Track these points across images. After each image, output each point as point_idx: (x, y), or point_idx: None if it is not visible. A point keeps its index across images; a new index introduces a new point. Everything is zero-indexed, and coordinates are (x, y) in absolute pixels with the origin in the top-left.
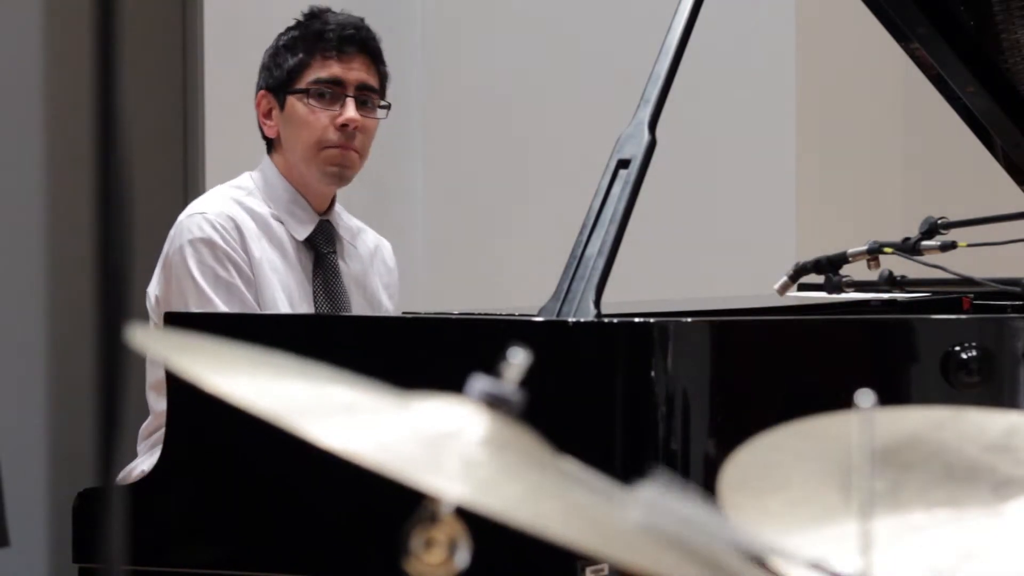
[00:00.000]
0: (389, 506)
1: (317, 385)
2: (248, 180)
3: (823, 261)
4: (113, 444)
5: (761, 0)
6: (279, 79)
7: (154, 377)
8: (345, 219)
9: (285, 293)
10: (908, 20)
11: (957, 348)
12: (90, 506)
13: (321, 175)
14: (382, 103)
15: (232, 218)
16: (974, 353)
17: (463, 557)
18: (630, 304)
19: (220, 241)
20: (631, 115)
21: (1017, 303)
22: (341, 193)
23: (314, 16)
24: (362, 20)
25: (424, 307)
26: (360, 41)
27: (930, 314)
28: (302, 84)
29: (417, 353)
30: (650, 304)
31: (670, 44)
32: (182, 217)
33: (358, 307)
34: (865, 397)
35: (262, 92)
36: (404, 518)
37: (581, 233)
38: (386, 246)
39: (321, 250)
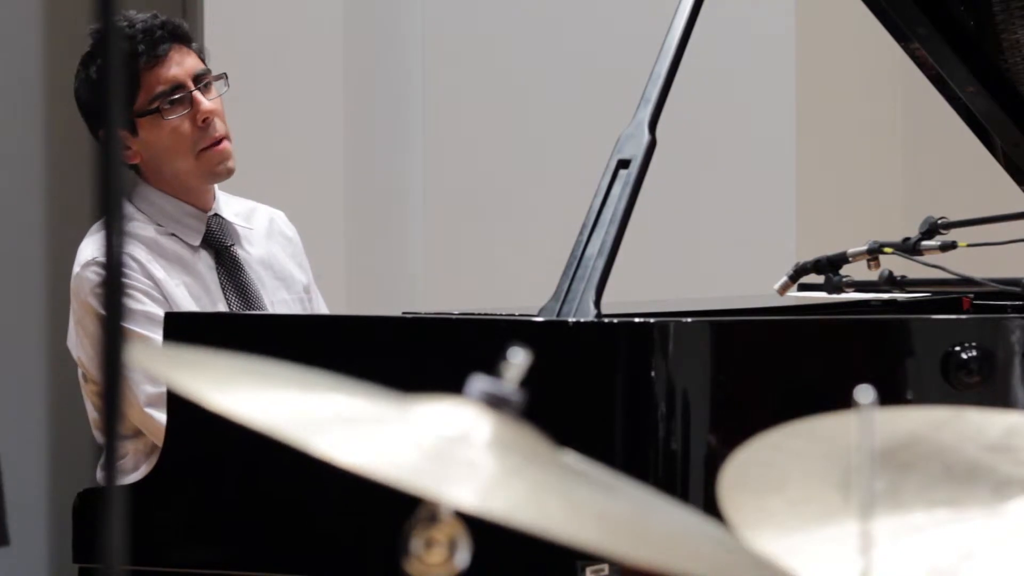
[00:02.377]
0: (389, 506)
1: (317, 394)
2: (128, 208)
3: (823, 261)
4: (113, 444)
5: (761, 0)
6: None
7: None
8: (233, 205)
9: (198, 304)
10: (908, 20)
11: (957, 348)
12: (90, 506)
13: (210, 176)
14: (215, 76)
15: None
16: (974, 353)
17: (463, 557)
18: (630, 304)
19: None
20: (631, 115)
21: (1017, 303)
22: (336, 190)
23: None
24: (155, 13)
25: (424, 307)
26: (169, 34)
27: (930, 314)
28: (147, 105)
29: (417, 353)
30: (650, 304)
31: (670, 44)
32: (77, 270)
33: (271, 288)
34: (864, 392)
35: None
36: (404, 519)
37: (581, 233)
38: (280, 216)
39: (219, 246)
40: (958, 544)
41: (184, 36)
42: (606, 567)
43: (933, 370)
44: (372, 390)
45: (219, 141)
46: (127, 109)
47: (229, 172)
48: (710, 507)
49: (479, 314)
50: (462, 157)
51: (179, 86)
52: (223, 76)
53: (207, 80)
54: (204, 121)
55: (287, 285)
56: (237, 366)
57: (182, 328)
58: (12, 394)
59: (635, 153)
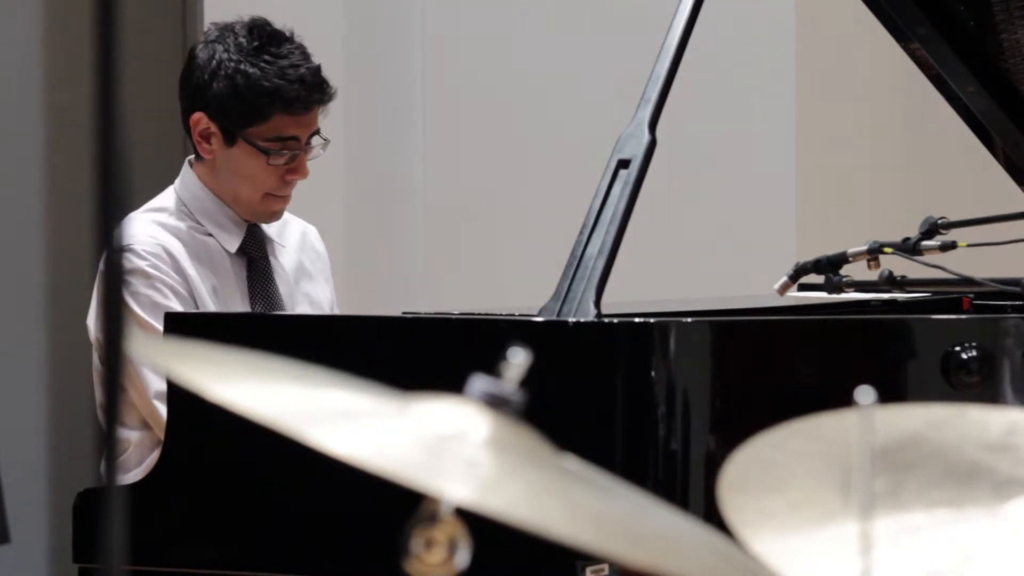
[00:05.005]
0: (389, 506)
1: (317, 389)
2: (171, 198)
3: (823, 261)
4: (113, 444)
5: (761, 1)
6: (227, 116)
7: None
8: None
9: (224, 308)
10: (908, 20)
11: (957, 348)
12: (90, 506)
13: (259, 217)
14: (323, 139)
15: (159, 243)
16: (974, 353)
17: (463, 557)
18: (630, 304)
19: (151, 269)
20: (631, 115)
21: (1017, 303)
22: (336, 190)
23: (270, 55)
24: (319, 67)
25: (424, 307)
26: (325, 98)
27: (930, 314)
28: (258, 138)
29: (417, 353)
30: (650, 304)
31: (670, 44)
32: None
33: (297, 301)
34: (865, 394)
35: (202, 115)
36: (404, 518)
37: (581, 233)
38: (312, 231)
39: (253, 255)
40: (958, 545)
41: (330, 99)
42: (606, 567)
43: (933, 370)
44: (372, 388)
45: (288, 196)
46: (238, 123)
47: (276, 219)
48: (710, 507)
49: (479, 314)
50: (462, 158)
51: (296, 141)
52: (327, 142)
53: (313, 149)
54: (291, 180)
55: (311, 300)
56: (238, 361)
57: (182, 328)
58: (12, 393)
59: (635, 153)
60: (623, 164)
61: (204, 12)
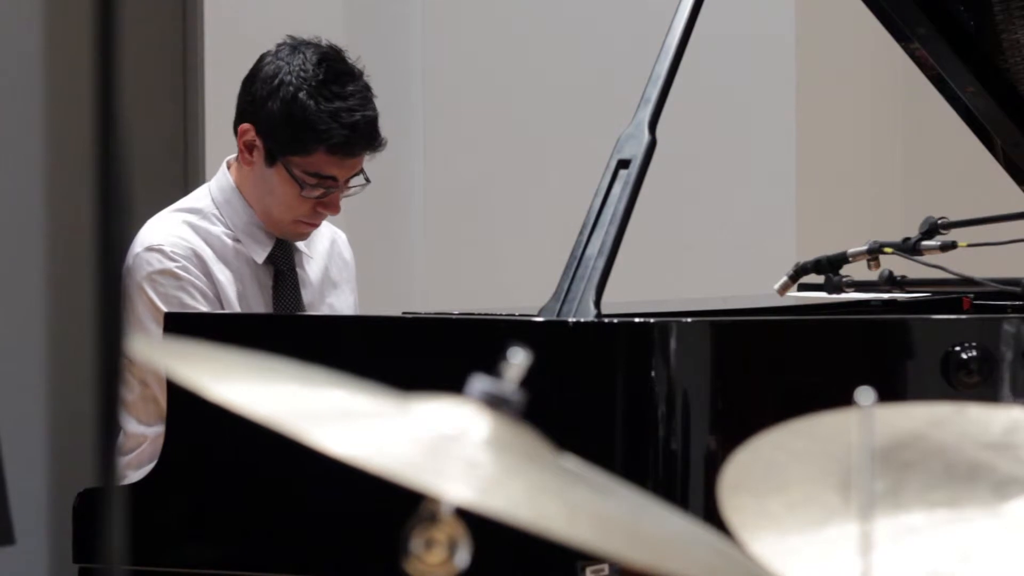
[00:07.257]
0: (389, 506)
1: (317, 389)
2: (205, 199)
3: (823, 261)
4: (113, 444)
5: (761, 1)
6: (274, 138)
7: (128, 396)
8: None
9: None
10: (908, 20)
11: (957, 348)
12: (90, 506)
13: (285, 235)
14: (363, 180)
15: (190, 246)
16: (974, 353)
17: (463, 557)
18: (630, 304)
19: (180, 270)
20: (631, 115)
21: (1017, 303)
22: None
23: (330, 92)
24: (376, 117)
25: (424, 307)
26: (372, 146)
27: (930, 314)
28: (297, 168)
29: (417, 353)
30: (650, 304)
31: (670, 44)
32: (138, 250)
33: (324, 312)
34: (865, 395)
35: (251, 128)
36: (404, 518)
37: (581, 233)
38: (341, 237)
39: (281, 267)
40: (958, 545)
41: (379, 149)
42: (606, 567)
43: (933, 370)
44: (372, 388)
45: (317, 223)
46: (282, 148)
47: (302, 240)
48: (710, 507)
49: (479, 314)
50: (462, 157)
51: (333, 180)
52: (367, 183)
53: (351, 188)
54: (322, 212)
55: (334, 310)
56: (238, 361)
57: (183, 327)
58: (12, 393)
59: (635, 153)
60: (623, 164)
61: (204, 12)
